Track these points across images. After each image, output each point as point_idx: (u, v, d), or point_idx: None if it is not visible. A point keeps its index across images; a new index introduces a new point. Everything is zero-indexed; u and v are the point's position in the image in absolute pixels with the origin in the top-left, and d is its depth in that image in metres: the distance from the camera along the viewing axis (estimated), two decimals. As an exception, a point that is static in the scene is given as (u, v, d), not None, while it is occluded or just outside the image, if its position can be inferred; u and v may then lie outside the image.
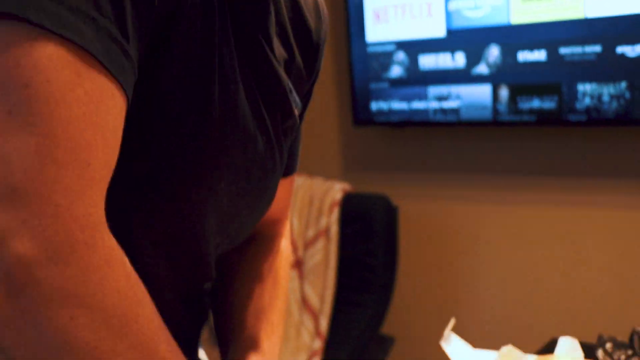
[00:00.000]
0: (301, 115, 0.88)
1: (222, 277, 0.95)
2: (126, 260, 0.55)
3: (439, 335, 1.39)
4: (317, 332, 2.22)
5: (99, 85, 0.53)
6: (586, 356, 1.23)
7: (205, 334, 2.78)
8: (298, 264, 2.33)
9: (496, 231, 2.34)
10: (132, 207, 0.66)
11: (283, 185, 0.93)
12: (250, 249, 0.96)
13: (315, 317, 2.25)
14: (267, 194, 0.84)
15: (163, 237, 0.70)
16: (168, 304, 0.76)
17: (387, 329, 2.24)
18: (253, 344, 0.87)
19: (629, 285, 2.12)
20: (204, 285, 0.85)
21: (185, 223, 0.70)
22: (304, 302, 2.28)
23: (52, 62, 0.51)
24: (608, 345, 1.37)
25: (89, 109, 0.52)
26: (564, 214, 2.22)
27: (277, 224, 0.98)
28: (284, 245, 0.99)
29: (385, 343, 2.21)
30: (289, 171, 0.94)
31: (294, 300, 2.31)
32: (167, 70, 0.62)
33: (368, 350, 2.16)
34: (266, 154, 0.78)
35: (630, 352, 1.34)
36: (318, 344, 2.21)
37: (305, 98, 0.89)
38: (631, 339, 1.37)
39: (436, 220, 2.44)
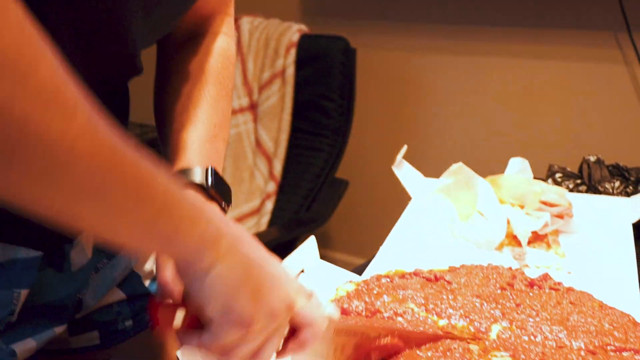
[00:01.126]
0: None
1: (158, 86, 0.90)
2: (20, 9, 0.48)
3: (393, 178, 1.38)
4: (271, 175, 2.22)
5: None
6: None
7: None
8: (252, 107, 2.28)
9: (453, 79, 2.31)
10: None
11: None
12: (183, 50, 0.89)
13: (270, 160, 2.23)
14: None
15: (81, 24, 0.63)
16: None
17: (341, 172, 2.24)
18: (178, 148, 0.81)
19: (580, 122, 2.14)
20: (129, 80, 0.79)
21: (105, 4, 0.63)
22: (258, 145, 2.26)
23: None
24: (558, 175, 1.38)
25: None
26: (520, 63, 2.19)
27: (212, 19, 0.90)
28: (223, 42, 0.91)
29: (340, 186, 2.22)
30: None
31: (248, 143, 2.28)
32: None
33: (322, 193, 2.16)
34: None
35: (579, 181, 1.36)
36: (272, 187, 2.21)
37: None
38: (580, 169, 1.38)
39: (394, 65, 2.39)
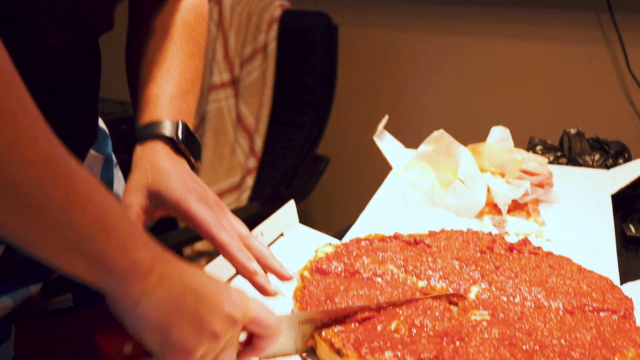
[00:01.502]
0: None
1: (130, 43, 0.88)
2: None
3: (374, 156, 1.37)
4: (252, 151, 2.20)
5: None
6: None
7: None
8: (234, 82, 2.26)
9: (435, 56, 2.30)
10: None
11: None
12: (155, 5, 0.87)
13: (251, 136, 2.22)
14: None
15: None
16: (61, 58, 0.69)
17: (322, 149, 2.23)
18: (148, 102, 0.79)
19: (561, 96, 2.15)
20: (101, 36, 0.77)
21: None
22: (239, 120, 2.24)
23: None
24: (538, 148, 1.38)
25: None
26: (503, 41, 2.19)
27: None
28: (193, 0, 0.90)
29: (321, 162, 2.20)
30: None
31: (229, 119, 2.26)
32: None
33: (302, 170, 2.15)
34: None
35: (559, 153, 1.36)
36: (252, 163, 2.19)
37: None
38: (561, 141, 1.39)
39: (376, 42, 2.38)
